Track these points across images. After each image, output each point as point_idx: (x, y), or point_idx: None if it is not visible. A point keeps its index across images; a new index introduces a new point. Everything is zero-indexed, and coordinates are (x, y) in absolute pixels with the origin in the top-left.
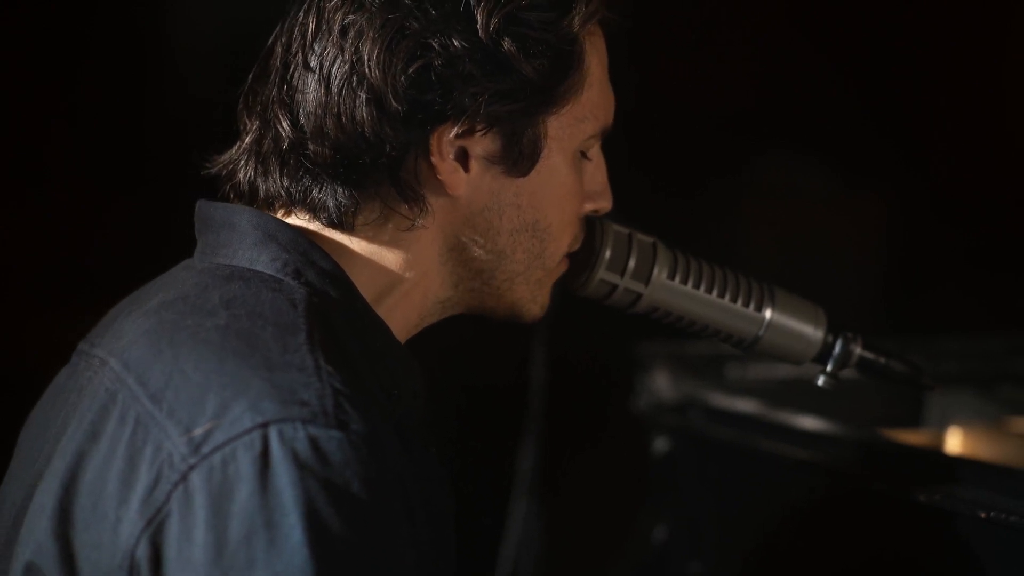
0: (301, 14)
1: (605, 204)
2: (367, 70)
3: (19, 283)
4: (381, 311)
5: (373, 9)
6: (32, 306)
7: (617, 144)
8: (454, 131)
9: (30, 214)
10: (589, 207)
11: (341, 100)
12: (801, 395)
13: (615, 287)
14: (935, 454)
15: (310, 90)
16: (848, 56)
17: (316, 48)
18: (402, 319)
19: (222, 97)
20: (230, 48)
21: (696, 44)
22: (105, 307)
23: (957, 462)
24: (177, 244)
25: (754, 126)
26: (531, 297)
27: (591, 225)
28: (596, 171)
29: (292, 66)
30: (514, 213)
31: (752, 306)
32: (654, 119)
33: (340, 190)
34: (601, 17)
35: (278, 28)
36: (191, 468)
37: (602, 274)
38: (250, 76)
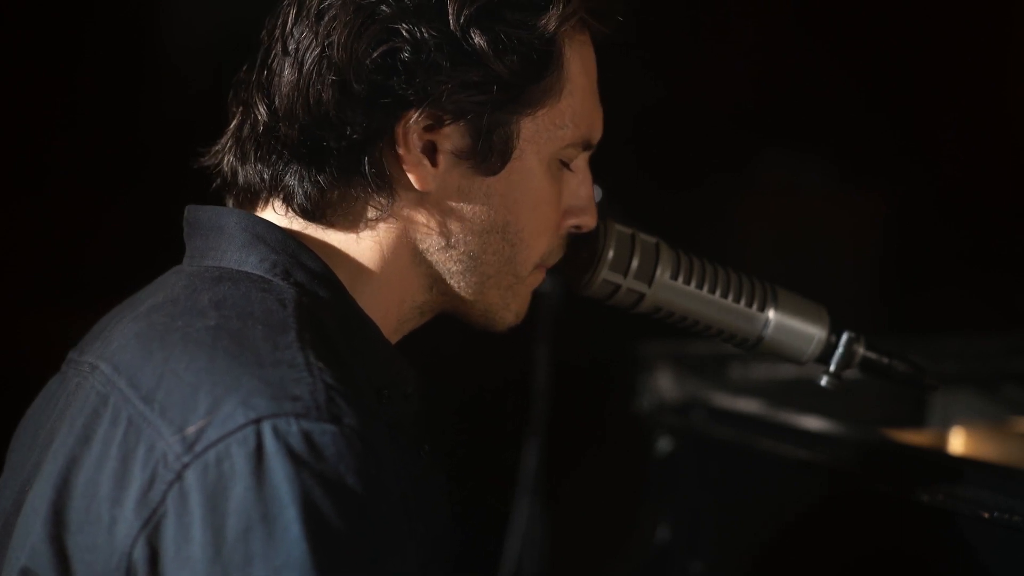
0: (286, 2)
1: (588, 221)
2: (335, 52)
3: (15, 284)
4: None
5: None
6: (28, 307)
7: (620, 140)
8: (416, 117)
9: (26, 214)
10: (571, 222)
11: (310, 82)
12: (803, 395)
13: (618, 287)
14: (937, 454)
15: (285, 73)
16: (850, 53)
17: (295, 33)
18: (380, 320)
19: (220, 99)
20: (229, 49)
21: (699, 40)
22: (102, 308)
23: (959, 462)
24: (174, 245)
25: (755, 122)
26: (503, 304)
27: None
28: (580, 185)
29: (273, 52)
30: (484, 213)
31: (755, 306)
32: (656, 115)
33: (307, 175)
34: (584, 22)
35: (268, 19)
36: (185, 467)
37: (605, 274)
38: (244, 68)
